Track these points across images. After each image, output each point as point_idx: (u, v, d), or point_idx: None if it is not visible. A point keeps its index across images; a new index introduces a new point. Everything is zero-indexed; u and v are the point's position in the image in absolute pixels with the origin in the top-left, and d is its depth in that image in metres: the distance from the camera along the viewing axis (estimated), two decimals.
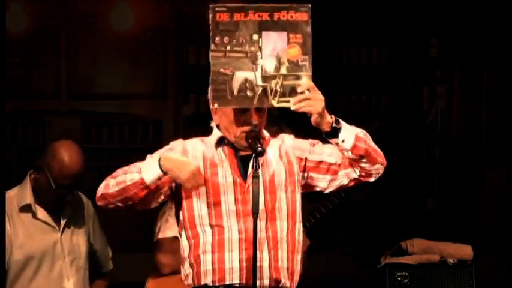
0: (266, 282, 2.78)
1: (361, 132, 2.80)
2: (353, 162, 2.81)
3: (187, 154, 2.86)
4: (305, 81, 2.69)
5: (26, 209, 3.47)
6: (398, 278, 4.11)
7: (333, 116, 2.74)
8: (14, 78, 6.32)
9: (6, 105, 3.69)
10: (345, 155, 2.80)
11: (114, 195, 2.78)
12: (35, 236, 3.45)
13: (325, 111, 2.70)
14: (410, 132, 6.62)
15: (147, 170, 2.75)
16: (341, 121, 2.76)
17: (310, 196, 3.14)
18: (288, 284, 2.82)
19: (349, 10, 6.49)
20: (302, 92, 2.67)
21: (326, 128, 2.72)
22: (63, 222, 3.50)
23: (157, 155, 2.84)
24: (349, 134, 2.75)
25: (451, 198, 6.22)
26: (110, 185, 2.79)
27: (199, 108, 6.71)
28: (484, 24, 6.05)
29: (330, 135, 2.75)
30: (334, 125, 2.72)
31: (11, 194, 3.51)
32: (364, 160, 2.79)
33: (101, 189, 2.82)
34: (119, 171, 2.82)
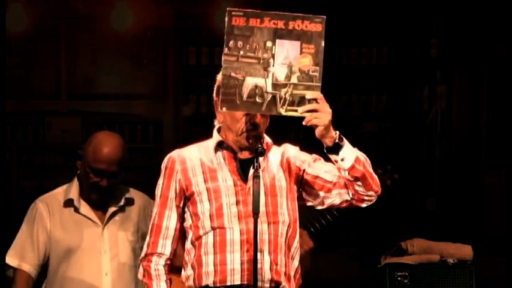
0: (267, 284, 2.79)
1: (361, 155, 2.80)
2: (348, 184, 2.82)
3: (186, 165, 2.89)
4: (314, 91, 2.70)
5: (69, 203, 3.53)
6: (398, 278, 4.11)
7: (337, 132, 2.74)
8: (14, 78, 6.33)
9: (6, 105, 3.70)
10: (342, 175, 2.81)
11: None
12: (75, 230, 3.50)
13: (331, 125, 2.70)
14: (410, 132, 6.62)
15: None
16: (345, 140, 2.76)
17: None
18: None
19: (349, 10, 6.49)
20: (310, 102, 2.68)
21: (329, 142, 2.73)
22: (107, 217, 3.53)
23: None
24: (350, 154, 2.76)
25: (451, 198, 6.21)
26: None
27: (199, 108, 6.71)
28: (484, 24, 6.05)
29: (331, 151, 2.75)
30: (337, 141, 2.72)
31: (59, 190, 3.59)
32: (359, 183, 2.79)
33: None
34: None
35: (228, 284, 2.77)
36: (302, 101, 2.69)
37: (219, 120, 2.92)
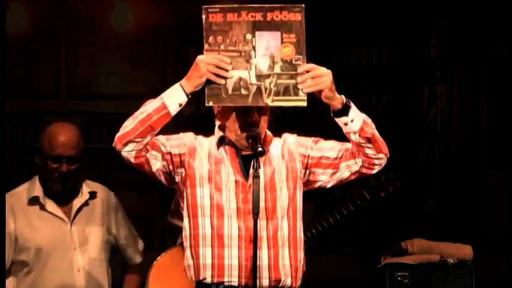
0: (265, 282, 2.79)
1: (367, 117, 2.84)
2: (358, 149, 2.82)
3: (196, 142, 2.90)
4: (304, 64, 2.69)
5: (34, 201, 3.48)
6: (398, 278, 4.11)
7: (342, 95, 2.76)
8: (14, 78, 6.32)
9: (6, 105, 3.70)
10: (352, 139, 2.80)
11: (136, 127, 2.70)
12: (43, 228, 3.46)
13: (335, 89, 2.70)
14: (410, 132, 6.62)
15: (168, 96, 2.74)
16: (351, 102, 2.77)
17: (320, 207, 3.16)
18: (289, 282, 2.84)
19: (349, 10, 6.48)
20: (303, 73, 2.68)
21: (337, 104, 2.75)
22: (73, 213, 3.50)
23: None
24: (358, 115, 2.78)
25: (451, 198, 6.22)
26: (130, 121, 2.73)
27: (199, 108, 6.70)
28: (484, 24, 6.06)
29: (339, 114, 2.76)
30: (345, 102, 2.74)
31: (21, 189, 3.54)
32: (370, 146, 2.80)
33: (120, 130, 2.75)
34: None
35: (226, 279, 2.78)
36: (287, 90, 2.70)
37: (219, 121, 2.94)
